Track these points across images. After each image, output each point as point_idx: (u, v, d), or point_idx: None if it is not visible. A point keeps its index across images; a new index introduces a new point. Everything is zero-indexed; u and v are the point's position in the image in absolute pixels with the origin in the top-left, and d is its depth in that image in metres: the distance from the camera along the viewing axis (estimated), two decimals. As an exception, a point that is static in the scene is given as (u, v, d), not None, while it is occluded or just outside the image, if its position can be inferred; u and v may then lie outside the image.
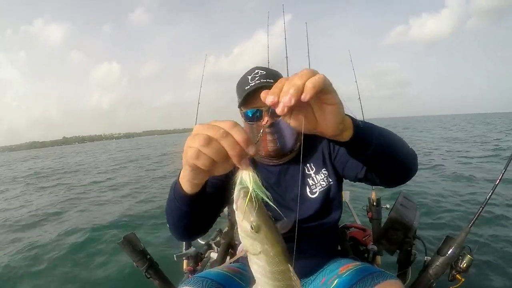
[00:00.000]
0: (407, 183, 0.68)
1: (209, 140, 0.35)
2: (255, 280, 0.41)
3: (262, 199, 0.37)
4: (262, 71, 0.82)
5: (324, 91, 0.40)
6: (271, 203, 0.36)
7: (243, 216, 0.37)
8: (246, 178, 0.37)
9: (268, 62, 2.64)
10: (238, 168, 0.38)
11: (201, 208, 0.58)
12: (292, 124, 0.45)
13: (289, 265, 0.39)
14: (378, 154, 0.55)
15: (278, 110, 0.38)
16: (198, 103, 2.25)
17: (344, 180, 0.94)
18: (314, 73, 0.39)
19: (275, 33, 2.83)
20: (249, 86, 0.80)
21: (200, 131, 0.37)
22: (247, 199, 0.36)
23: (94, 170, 10.79)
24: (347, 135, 0.49)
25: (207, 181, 0.50)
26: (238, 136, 0.35)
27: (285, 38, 2.84)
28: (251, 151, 0.36)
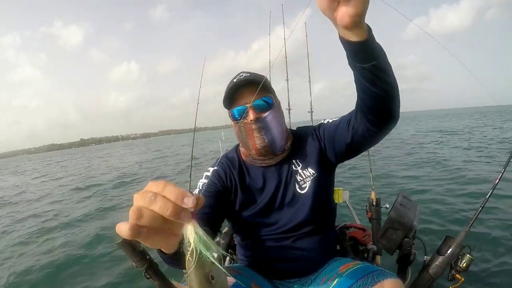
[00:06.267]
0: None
1: (140, 212, 0.32)
2: None
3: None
4: (246, 74, 0.86)
5: None
6: (216, 263, 0.34)
7: (188, 277, 0.34)
8: (189, 234, 0.34)
9: (270, 61, 2.64)
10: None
11: None
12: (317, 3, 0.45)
13: None
14: (380, 68, 0.56)
15: None
16: (198, 103, 2.26)
17: (344, 180, 0.94)
18: None
19: (295, 29, 2.84)
20: (232, 85, 0.83)
21: (134, 202, 0.34)
22: (194, 260, 0.33)
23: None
24: (360, 34, 0.50)
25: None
26: (168, 194, 0.33)
27: (285, 38, 2.84)
28: (188, 203, 0.32)
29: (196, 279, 0.34)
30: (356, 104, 0.70)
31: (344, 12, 0.45)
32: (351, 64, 0.58)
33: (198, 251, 0.33)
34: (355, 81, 0.63)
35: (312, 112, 2.60)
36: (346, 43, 0.53)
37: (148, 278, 1.12)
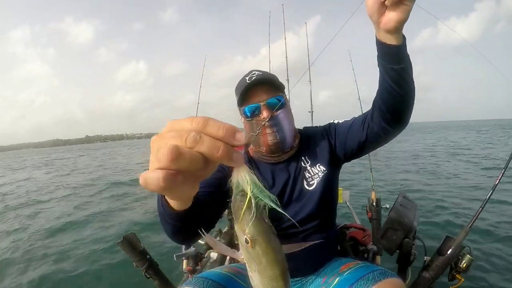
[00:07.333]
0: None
1: (177, 151, 0.24)
2: None
3: (265, 205, 0.30)
4: (259, 72, 0.87)
5: None
6: (277, 207, 0.29)
7: (239, 225, 0.31)
8: (242, 178, 0.28)
9: (270, 62, 2.64)
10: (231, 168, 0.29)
11: (197, 218, 0.53)
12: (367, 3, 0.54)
13: None
14: (406, 71, 0.64)
15: None
16: (198, 102, 2.26)
17: (344, 180, 0.94)
18: None
19: (302, 35, 2.89)
20: (247, 84, 0.84)
21: (162, 143, 0.26)
22: (244, 206, 0.29)
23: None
24: (398, 39, 0.59)
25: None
26: (215, 130, 0.25)
27: (285, 38, 2.85)
28: (241, 138, 0.26)
29: (258, 230, 0.30)
30: (374, 103, 0.75)
31: (390, 18, 0.53)
32: (380, 64, 0.65)
33: (256, 200, 0.29)
34: (380, 81, 0.69)
35: (312, 112, 2.60)
36: (383, 45, 0.61)
37: (148, 278, 1.12)
